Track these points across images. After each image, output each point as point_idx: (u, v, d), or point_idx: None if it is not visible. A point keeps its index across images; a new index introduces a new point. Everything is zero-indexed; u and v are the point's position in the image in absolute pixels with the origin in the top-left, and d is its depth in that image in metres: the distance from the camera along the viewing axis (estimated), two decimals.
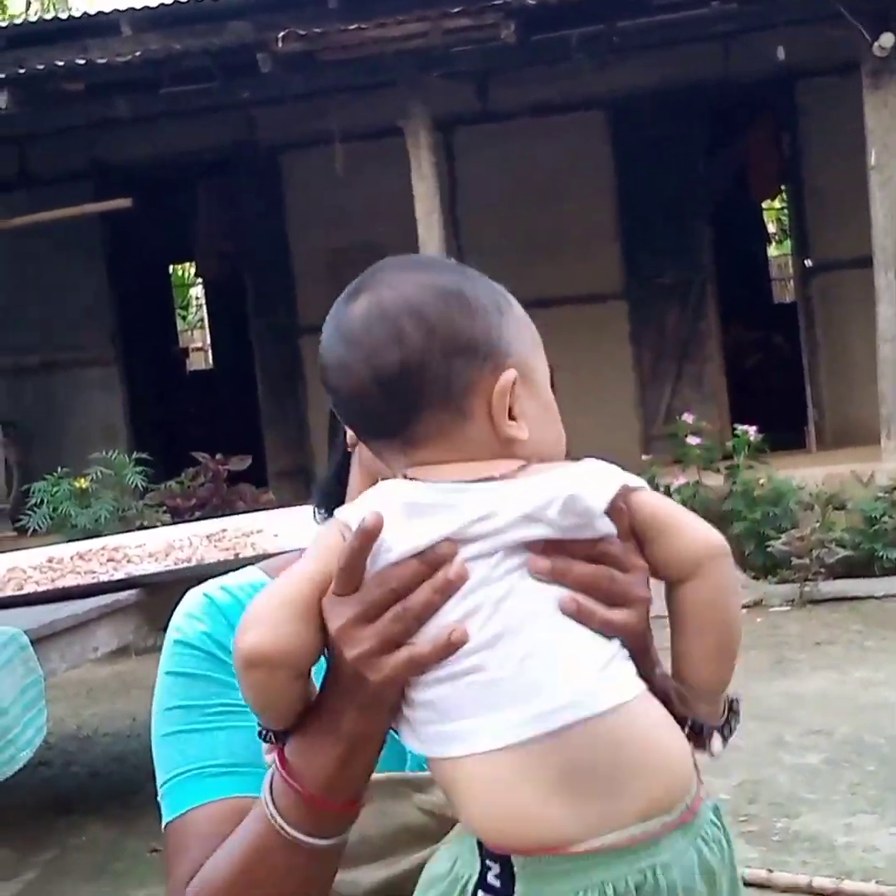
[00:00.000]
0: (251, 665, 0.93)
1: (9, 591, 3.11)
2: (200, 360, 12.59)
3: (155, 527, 5.05)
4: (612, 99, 7.79)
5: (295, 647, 0.92)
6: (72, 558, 3.59)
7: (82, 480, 5.99)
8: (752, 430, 6.23)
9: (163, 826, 1.10)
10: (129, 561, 3.33)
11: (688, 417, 6.52)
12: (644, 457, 6.59)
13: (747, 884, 2.42)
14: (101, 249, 8.56)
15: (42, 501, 5.96)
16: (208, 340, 12.54)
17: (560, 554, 0.90)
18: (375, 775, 1.00)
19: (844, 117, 6.59)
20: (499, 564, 0.89)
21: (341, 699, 0.94)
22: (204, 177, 8.81)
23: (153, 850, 2.85)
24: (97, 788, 3.54)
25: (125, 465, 6.06)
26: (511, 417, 0.95)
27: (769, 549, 5.69)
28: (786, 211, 9.46)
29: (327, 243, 7.78)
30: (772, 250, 12.24)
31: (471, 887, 0.91)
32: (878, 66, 6.14)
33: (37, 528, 5.86)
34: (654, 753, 0.87)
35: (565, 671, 0.87)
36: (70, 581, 3.17)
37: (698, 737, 0.95)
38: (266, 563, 1.26)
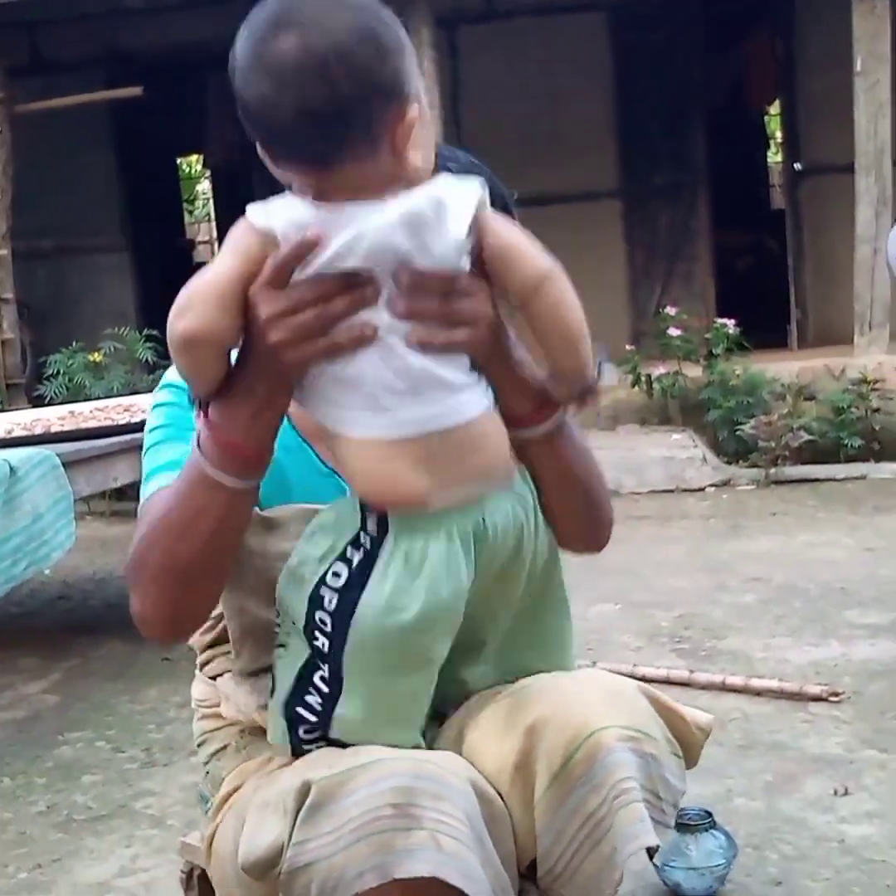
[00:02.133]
0: (184, 345, 1.13)
1: (37, 431, 3.49)
2: (207, 253, 12.80)
3: None
4: (612, 1, 7.94)
5: (219, 329, 1.12)
6: (91, 411, 3.97)
7: (96, 354, 6.32)
8: (731, 323, 6.54)
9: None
10: (142, 412, 3.70)
11: (671, 310, 6.82)
12: (628, 347, 6.90)
13: (671, 683, 2.83)
14: (110, 139, 8.77)
15: (58, 372, 6.30)
16: (215, 234, 12.77)
17: (418, 288, 1.10)
18: (302, 505, 1.31)
19: (837, 24, 6.75)
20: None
21: (257, 373, 1.15)
22: (214, 67, 8.96)
23: (165, 659, 3.26)
24: (113, 616, 3.96)
25: (137, 341, 6.41)
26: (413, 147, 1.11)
27: (739, 434, 6.05)
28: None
29: None
30: (773, 157, 12.39)
31: (348, 535, 1.22)
32: None
33: (53, 396, 6.17)
34: (485, 450, 1.18)
35: (426, 392, 1.14)
36: (91, 424, 3.55)
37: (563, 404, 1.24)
38: None
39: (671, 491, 5.79)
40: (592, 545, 1.40)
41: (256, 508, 1.28)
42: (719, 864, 1.81)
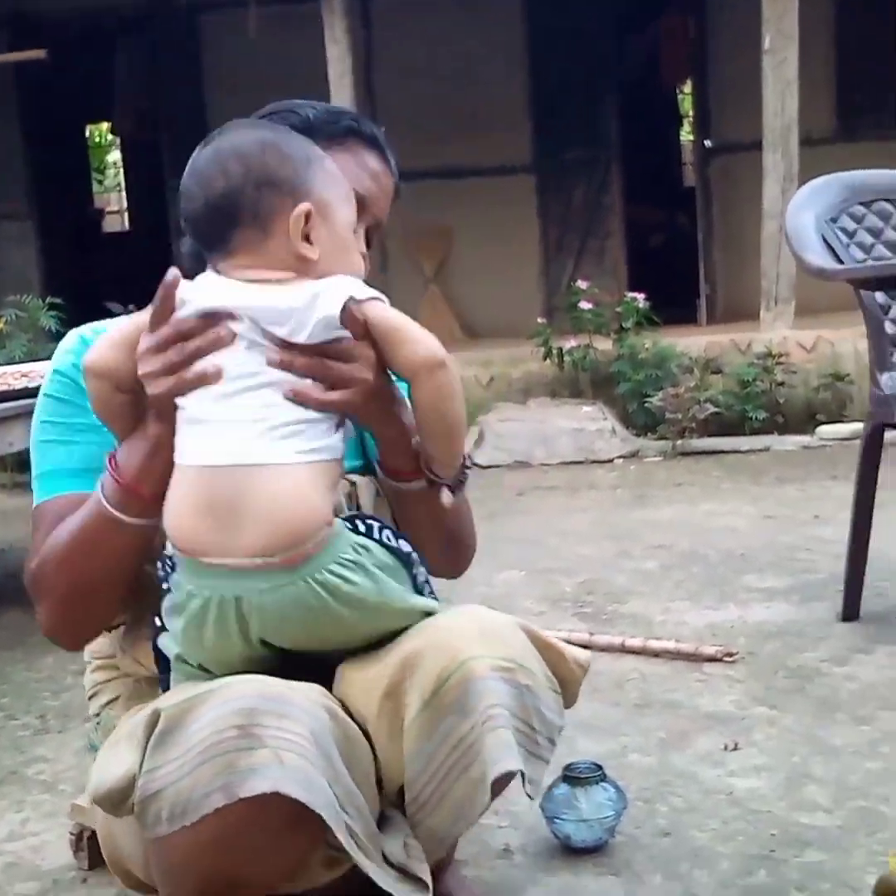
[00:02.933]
0: (85, 374, 1.31)
1: None
2: (117, 222, 12.58)
3: None
4: None
5: (113, 365, 1.29)
6: None
7: None
8: (640, 297, 6.61)
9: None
10: (40, 377, 3.62)
11: (583, 284, 6.86)
12: (540, 320, 6.94)
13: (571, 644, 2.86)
14: (14, 104, 8.56)
15: None
16: (125, 204, 12.54)
17: (292, 350, 1.24)
18: None
19: (748, 3, 6.83)
20: (251, 345, 1.24)
21: (147, 412, 1.30)
22: (122, 34, 8.79)
23: None
24: (11, 586, 3.88)
25: (39, 309, 6.27)
26: (306, 241, 1.27)
27: (647, 406, 6.12)
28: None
29: (242, 105, 7.85)
30: (685, 135, 12.53)
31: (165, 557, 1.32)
32: None
33: None
34: (279, 511, 1.21)
35: (241, 429, 1.23)
36: None
37: (438, 486, 1.34)
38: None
39: (580, 462, 5.85)
40: (450, 574, 1.54)
41: None
42: (608, 816, 1.83)
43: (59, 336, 6.39)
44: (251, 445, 1.22)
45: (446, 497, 1.35)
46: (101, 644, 1.56)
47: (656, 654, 2.77)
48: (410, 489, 1.36)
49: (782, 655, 2.72)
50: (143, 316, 1.29)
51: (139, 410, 1.30)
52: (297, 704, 1.21)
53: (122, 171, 12.48)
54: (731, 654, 2.71)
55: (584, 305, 6.64)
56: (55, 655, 3.07)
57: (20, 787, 2.28)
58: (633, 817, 1.93)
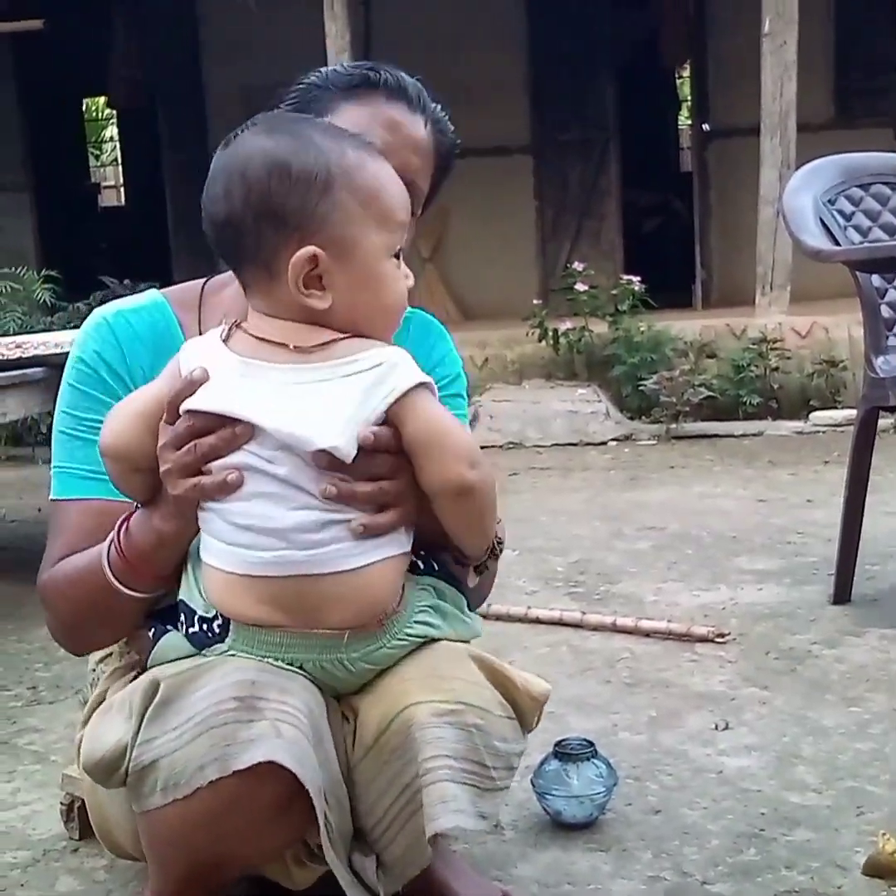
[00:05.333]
0: (102, 455, 1.24)
1: None
2: (113, 197, 12.52)
3: None
4: None
5: (129, 447, 1.21)
6: None
7: None
8: (636, 280, 6.60)
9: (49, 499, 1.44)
10: (34, 348, 3.61)
11: (579, 266, 6.85)
12: (536, 302, 6.92)
13: (564, 624, 2.87)
14: (11, 75, 8.50)
15: None
16: (121, 179, 12.48)
17: (346, 477, 1.15)
18: None
19: None
20: (279, 447, 1.14)
21: (158, 501, 1.23)
22: (119, 2, 8.73)
23: None
24: (5, 557, 3.88)
25: (34, 282, 6.24)
26: (319, 287, 1.15)
27: (642, 389, 6.12)
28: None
29: (240, 79, 7.85)
30: (684, 120, 12.49)
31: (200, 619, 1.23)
32: None
33: None
34: (348, 601, 1.18)
35: (287, 537, 1.16)
36: None
37: (467, 567, 1.32)
38: (168, 289, 1.57)
39: (574, 444, 5.85)
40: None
41: None
42: (599, 792, 1.84)
43: (53, 309, 6.40)
44: (298, 555, 1.17)
45: (471, 579, 1.33)
46: None
47: (648, 633, 2.78)
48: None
49: (773, 637, 2.73)
50: (158, 384, 1.21)
51: (159, 482, 1.23)
52: (296, 680, 1.21)
53: (118, 145, 12.40)
54: (722, 635, 2.72)
55: (580, 287, 6.63)
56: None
57: (12, 757, 2.28)
58: (623, 794, 1.94)
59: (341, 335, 1.18)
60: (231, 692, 1.16)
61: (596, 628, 2.83)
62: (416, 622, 1.26)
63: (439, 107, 1.45)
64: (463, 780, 1.22)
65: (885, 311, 2.90)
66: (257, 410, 1.13)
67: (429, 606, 1.28)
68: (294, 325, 1.15)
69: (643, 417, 6.19)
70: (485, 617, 2.88)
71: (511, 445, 5.90)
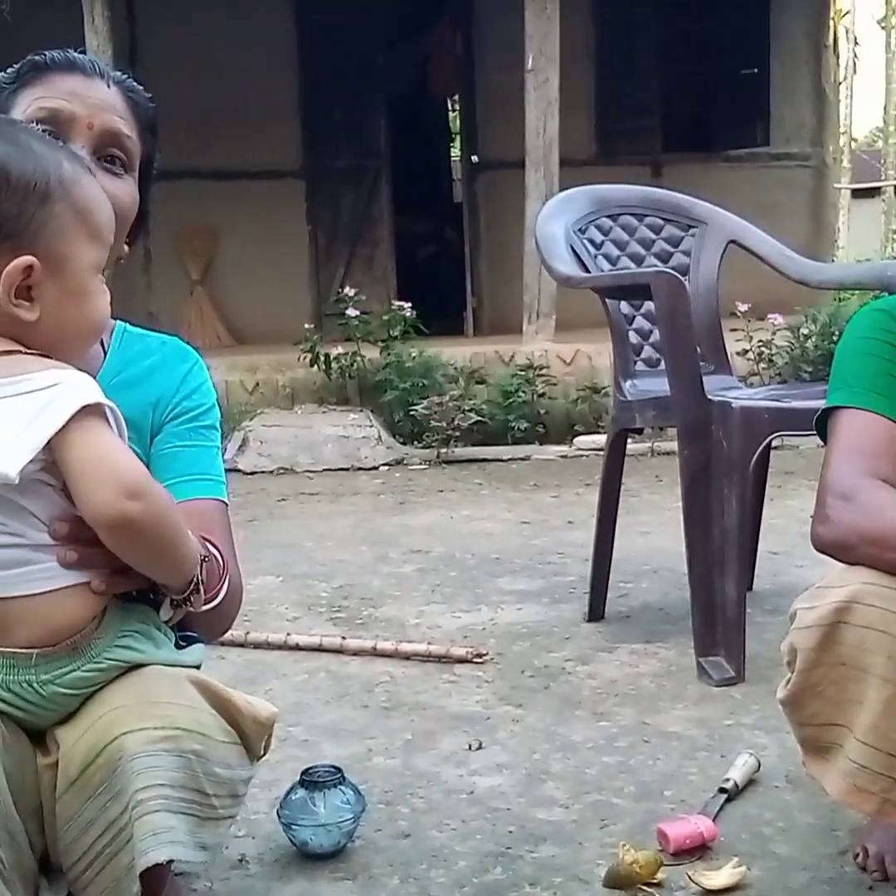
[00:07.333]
0: None
1: None
2: None
3: None
4: None
5: None
6: None
7: None
8: (407, 306, 6.66)
9: None
10: None
11: (350, 291, 6.86)
12: (308, 326, 6.88)
13: (324, 650, 2.83)
14: None
15: None
16: None
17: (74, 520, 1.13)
18: None
19: (512, 22, 7.00)
20: None
21: None
22: None
23: None
24: None
25: None
26: (27, 298, 1.12)
27: (413, 414, 6.17)
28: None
29: None
30: (456, 152, 12.76)
31: None
32: None
33: None
34: (33, 622, 1.15)
35: None
36: None
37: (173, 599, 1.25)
38: None
39: (346, 469, 5.83)
40: (207, 640, 1.42)
41: None
42: (347, 820, 1.80)
43: None
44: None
45: (164, 612, 1.26)
46: None
47: (408, 656, 2.77)
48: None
49: (530, 655, 2.77)
50: None
51: None
52: None
53: None
54: (480, 655, 2.74)
55: (352, 313, 6.63)
56: None
57: None
58: (374, 820, 1.91)
59: (23, 348, 1.14)
60: None
61: (356, 653, 2.80)
62: (117, 646, 1.20)
63: (125, 75, 1.44)
64: (179, 810, 1.16)
65: (633, 337, 3.01)
66: None
67: (135, 631, 1.22)
68: None
69: (415, 442, 6.23)
70: (243, 645, 2.84)
71: (281, 471, 5.83)
